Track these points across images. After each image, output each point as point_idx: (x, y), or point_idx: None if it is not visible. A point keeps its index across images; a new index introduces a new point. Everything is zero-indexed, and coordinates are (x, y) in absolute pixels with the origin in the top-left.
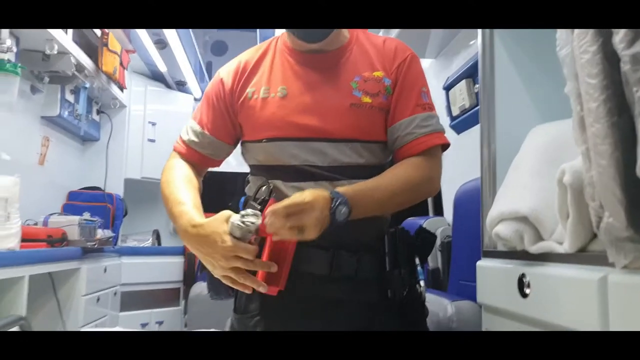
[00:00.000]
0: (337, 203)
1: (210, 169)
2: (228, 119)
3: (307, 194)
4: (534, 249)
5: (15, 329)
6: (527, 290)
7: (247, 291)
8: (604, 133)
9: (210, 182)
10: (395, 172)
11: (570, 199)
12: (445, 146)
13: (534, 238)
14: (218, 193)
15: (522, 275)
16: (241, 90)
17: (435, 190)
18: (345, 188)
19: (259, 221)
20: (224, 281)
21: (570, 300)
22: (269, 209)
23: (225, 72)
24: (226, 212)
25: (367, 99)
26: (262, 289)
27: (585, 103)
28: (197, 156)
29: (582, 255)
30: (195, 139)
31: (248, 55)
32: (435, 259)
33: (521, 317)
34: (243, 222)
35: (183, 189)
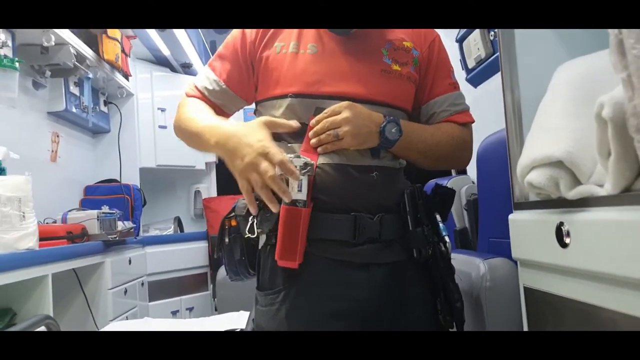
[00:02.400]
0: (388, 121)
1: None
2: (245, 71)
3: (348, 103)
4: (572, 194)
5: (42, 328)
6: (567, 240)
7: (272, 206)
8: None
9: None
10: (440, 126)
11: (612, 134)
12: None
13: (570, 183)
14: (229, 175)
15: (560, 224)
16: (267, 43)
17: (469, 158)
18: (404, 122)
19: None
20: (241, 187)
21: (617, 245)
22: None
23: None
24: (263, 118)
25: (396, 67)
26: (285, 198)
27: None
28: (209, 102)
29: (628, 195)
30: (208, 86)
31: None
32: (462, 219)
33: (562, 268)
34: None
35: (205, 112)
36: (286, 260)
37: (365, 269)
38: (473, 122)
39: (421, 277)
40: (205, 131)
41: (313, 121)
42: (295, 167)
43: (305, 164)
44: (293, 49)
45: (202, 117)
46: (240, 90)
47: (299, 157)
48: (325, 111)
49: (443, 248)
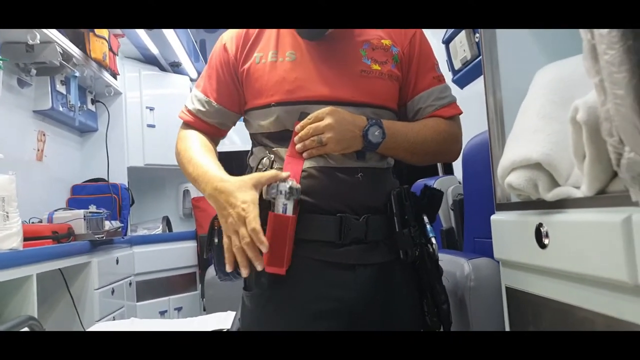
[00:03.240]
0: (371, 124)
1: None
2: (232, 86)
3: (331, 108)
4: (550, 196)
5: (25, 330)
6: (546, 241)
7: (244, 270)
8: (619, 60)
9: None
10: (426, 122)
11: (586, 137)
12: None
13: (548, 185)
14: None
15: (540, 225)
16: (247, 55)
17: (459, 151)
18: (383, 120)
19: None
20: (227, 254)
21: (593, 246)
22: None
23: (229, 37)
24: (255, 175)
25: (376, 67)
26: (258, 266)
27: (596, 29)
28: (205, 125)
29: (602, 197)
30: (202, 108)
31: None
32: (448, 219)
33: (541, 268)
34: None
35: (202, 153)
36: (274, 266)
37: (352, 270)
38: (461, 113)
39: (408, 278)
40: (200, 180)
41: (298, 127)
42: (281, 191)
43: (291, 189)
44: (272, 58)
45: (199, 162)
46: (232, 105)
47: (284, 181)
48: (308, 117)
49: (431, 249)
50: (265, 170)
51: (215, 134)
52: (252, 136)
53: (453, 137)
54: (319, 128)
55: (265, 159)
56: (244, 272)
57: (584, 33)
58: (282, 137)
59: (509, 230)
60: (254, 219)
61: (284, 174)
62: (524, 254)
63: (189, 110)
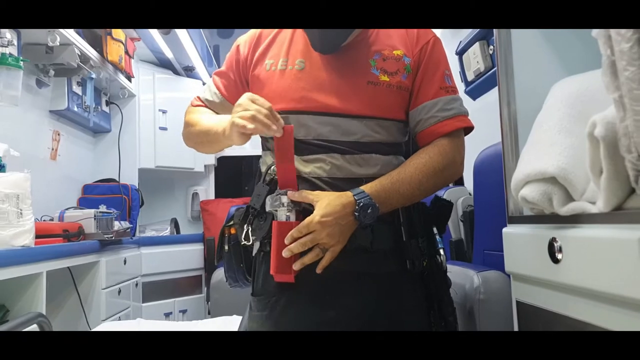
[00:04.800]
0: (361, 206)
1: (225, 154)
2: (240, 86)
3: (320, 208)
4: (565, 210)
5: (34, 326)
6: (559, 256)
7: (276, 127)
8: (639, 76)
9: (227, 166)
10: (419, 161)
11: (604, 153)
12: (469, 129)
13: (563, 199)
14: (234, 176)
15: (553, 240)
16: (258, 60)
17: (459, 173)
18: (369, 186)
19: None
20: (246, 119)
21: (609, 262)
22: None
23: (243, 40)
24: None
25: (384, 78)
26: (277, 132)
27: (616, 45)
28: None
29: (619, 214)
30: (210, 98)
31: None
32: (457, 230)
33: (554, 284)
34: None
35: (208, 114)
36: (282, 274)
37: (356, 279)
38: (470, 127)
39: (415, 289)
40: (216, 124)
41: (288, 238)
42: (283, 203)
43: (292, 201)
44: (282, 65)
45: (207, 117)
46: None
47: (285, 193)
48: (297, 231)
49: (439, 260)
50: (273, 177)
51: None
52: (262, 140)
53: (449, 165)
54: (315, 241)
55: (273, 166)
56: (278, 131)
57: (603, 49)
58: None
59: (521, 243)
60: (264, 100)
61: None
62: (537, 268)
63: (199, 98)
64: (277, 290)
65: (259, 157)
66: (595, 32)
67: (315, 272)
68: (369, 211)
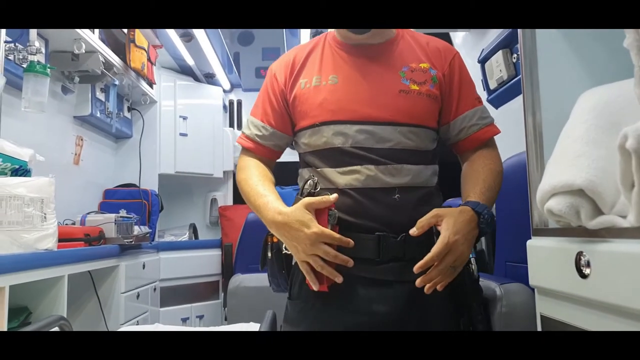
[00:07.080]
0: (485, 217)
1: None
2: (285, 111)
3: (448, 228)
4: (593, 224)
5: (56, 329)
6: (587, 270)
7: (315, 285)
8: None
9: None
10: (491, 167)
11: (636, 165)
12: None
13: (592, 213)
14: None
15: (580, 254)
16: (294, 82)
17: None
18: (476, 196)
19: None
20: (302, 267)
21: (638, 279)
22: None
23: (277, 66)
24: (305, 200)
25: (414, 87)
26: (338, 280)
27: None
28: (262, 149)
29: None
30: (258, 132)
31: (298, 50)
32: (479, 241)
33: (581, 299)
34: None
35: (261, 183)
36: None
37: (389, 286)
38: (499, 132)
39: (446, 296)
40: (261, 210)
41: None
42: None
43: (329, 216)
44: (316, 82)
45: (259, 192)
46: (284, 128)
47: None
48: (437, 255)
49: (471, 269)
50: (310, 191)
51: (271, 156)
52: (300, 157)
53: (500, 165)
54: (450, 262)
55: (310, 180)
56: (338, 279)
57: (635, 59)
58: (326, 154)
59: (546, 257)
60: (329, 231)
61: (332, 197)
62: (563, 282)
63: (246, 136)
64: (312, 296)
65: (288, 163)
66: (627, 42)
67: (350, 280)
68: (489, 221)
